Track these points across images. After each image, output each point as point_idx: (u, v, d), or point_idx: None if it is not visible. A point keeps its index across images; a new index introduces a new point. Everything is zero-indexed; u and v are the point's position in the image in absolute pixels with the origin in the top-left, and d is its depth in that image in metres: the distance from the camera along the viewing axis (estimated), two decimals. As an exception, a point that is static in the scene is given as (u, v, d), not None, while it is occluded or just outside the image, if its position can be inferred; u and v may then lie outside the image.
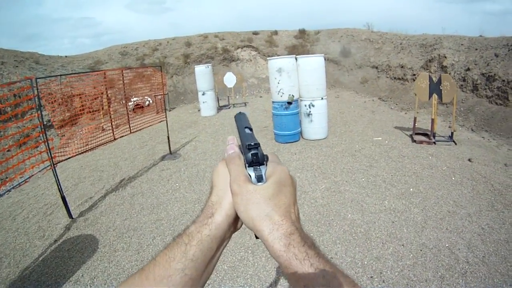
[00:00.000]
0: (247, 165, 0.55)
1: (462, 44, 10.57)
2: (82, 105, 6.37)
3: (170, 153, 7.45)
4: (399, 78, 12.49)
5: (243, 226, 0.56)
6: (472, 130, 7.74)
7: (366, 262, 3.14)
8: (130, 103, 11.11)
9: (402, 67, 12.54)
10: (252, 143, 0.55)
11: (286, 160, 6.29)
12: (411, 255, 3.21)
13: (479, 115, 8.16)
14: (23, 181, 4.76)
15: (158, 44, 18.29)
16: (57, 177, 4.72)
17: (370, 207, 4.24)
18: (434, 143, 6.73)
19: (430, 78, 6.73)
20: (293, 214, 0.50)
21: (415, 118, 7.17)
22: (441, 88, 6.58)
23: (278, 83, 7.28)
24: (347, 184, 5.02)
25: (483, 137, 7.18)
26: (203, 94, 11.82)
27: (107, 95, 6.52)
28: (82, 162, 7.40)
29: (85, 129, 6.29)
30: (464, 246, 3.31)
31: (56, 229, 4.54)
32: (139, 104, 11.74)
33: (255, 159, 0.54)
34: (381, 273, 2.97)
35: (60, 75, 5.94)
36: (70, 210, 4.88)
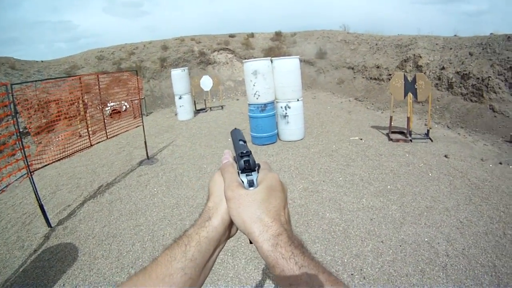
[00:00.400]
0: (239, 171, 0.60)
1: (437, 44, 10.84)
2: (59, 111, 6.19)
3: (148, 158, 7.34)
4: (375, 78, 12.67)
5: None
6: (447, 127, 7.89)
7: (346, 260, 3.07)
8: (106, 108, 10.89)
9: (377, 67, 12.74)
10: (244, 151, 0.61)
11: (261, 159, 6.21)
12: (391, 251, 3.16)
13: (454, 112, 8.34)
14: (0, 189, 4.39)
15: (135, 48, 17.97)
16: (34, 186, 4.65)
17: (348, 206, 4.20)
18: (411, 140, 6.81)
19: (405, 78, 6.82)
20: (282, 217, 0.53)
21: (391, 117, 7.25)
22: (416, 87, 6.67)
23: (254, 85, 7.24)
24: (324, 184, 4.97)
25: (458, 134, 7.33)
26: (179, 98, 11.63)
27: (83, 101, 6.46)
28: (59, 170, 7.18)
29: (61, 136, 6.11)
30: (443, 240, 3.30)
31: (35, 239, 4.47)
32: (116, 109, 11.47)
33: (247, 165, 0.59)
34: (361, 270, 2.91)
35: (36, 81, 5.86)
36: (49, 218, 4.82)
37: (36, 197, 4.69)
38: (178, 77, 11.68)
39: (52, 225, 4.77)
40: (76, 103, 8.05)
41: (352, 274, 2.87)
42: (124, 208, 5.09)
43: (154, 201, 5.20)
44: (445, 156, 5.83)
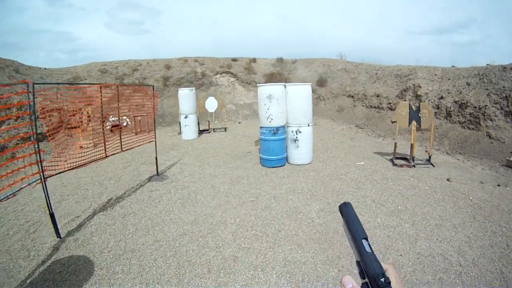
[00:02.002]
0: None
1: (435, 74, 11.64)
2: (73, 118, 6.24)
3: (157, 174, 7.52)
4: (375, 107, 13.39)
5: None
6: (447, 153, 8.48)
7: (371, 271, 3.46)
8: (108, 122, 11.20)
9: (378, 96, 13.49)
10: (382, 280, 0.55)
11: (276, 184, 6.59)
12: (410, 263, 3.58)
13: (452, 139, 8.96)
14: (11, 194, 4.18)
15: (138, 64, 18.61)
16: (47, 193, 4.52)
17: (365, 224, 4.59)
18: (414, 166, 7.32)
19: (410, 107, 7.41)
20: None
21: (395, 144, 7.82)
22: (420, 115, 7.25)
23: (268, 109, 7.66)
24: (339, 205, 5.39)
25: (458, 159, 7.90)
26: (185, 117, 11.98)
27: (102, 111, 6.53)
28: (63, 179, 7.24)
29: (78, 143, 6.13)
30: (455, 252, 3.73)
31: (43, 249, 4.38)
32: (117, 124, 11.75)
33: None
34: (385, 279, 3.30)
35: (58, 83, 5.71)
36: (59, 228, 4.72)
37: (48, 205, 4.56)
38: (186, 97, 12.07)
39: (62, 236, 4.68)
40: (86, 113, 8.32)
41: None
42: (139, 222, 5.14)
43: (171, 217, 5.29)
44: (448, 179, 6.34)
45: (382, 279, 0.54)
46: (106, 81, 16.29)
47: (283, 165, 7.93)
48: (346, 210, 0.70)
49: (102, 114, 6.63)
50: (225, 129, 13.97)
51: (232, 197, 6.03)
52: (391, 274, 0.60)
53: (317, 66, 19.07)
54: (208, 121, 14.16)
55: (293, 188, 6.33)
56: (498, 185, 5.96)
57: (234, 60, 20.52)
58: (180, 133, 12.77)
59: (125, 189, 6.75)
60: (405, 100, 11.53)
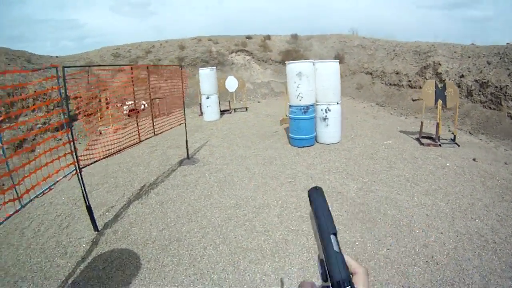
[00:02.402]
0: None
1: (455, 52, 11.78)
2: (107, 102, 6.15)
3: (188, 158, 7.64)
4: (394, 84, 13.59)
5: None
6: (469, 133, 8.82)
7: (417, 250, 3.91)
8: (125, 107, 11.45)
9: (397, 73, 13.66)
10: (345, 278, 0.50)
11: (310, 164, 6.96)
12: (451, 240, 4.03)
13: (474, 119, 9.27)
14: (47, 188, 3.85)
15: (151, 46, 18.63)
16: (83, 184, 4.33)
17: (403, 204, 5.06)
18: (440, 145, 7.68)
19: (436, 85, 7.68)
20: None
21: (421, 123, 8.15)
22: (445, 94, 7.54)
23: (298, 87, 7.78)
24: (375, 184, 5.82)
25: (481, 139, 8.24)
26: (207, 98, 12.01)
27: (134, 94, 6.48)
28: (88, 168, 6.82)
29: (111, 129, 6.02)
30: (489, 230, 4.17)
31: (80, 244, 4.25)
32: (135, 109, 11.86)
33: None
34: (432, 257, 3.76)
35: (88, 66, 5.16)
36: (96, 221, 4.59)
37: (84, 197, 4.35)
38: (207, 76, 11.97)
39: (99, 229, 4.56)
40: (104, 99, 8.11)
41: (427, 261, 3.71)
42: (179, 209, 5.13)
43: (211, 202, 5.35)
44: (474, 159, 6.71)
45: (349, 287, 0.49)
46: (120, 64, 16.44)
47: (313, 145, 8.20)
48: (315, 196, 0.62)
49: (124, 99, 6.38)
50: (246, 108, 14.12)
51: (269, 178, 6.28)
52: (359, 280, 0.54)
53: (333, 42, 19.09)
54: (229, 101, 14.27)
55: (328, 168, 6.69)
56: (522, 166, 6.36)
57: (249, 37, 20.48)
58: (201, 114, 12.88)
59: (156, 174, 6.78)
60: (425, 78, 11.75)
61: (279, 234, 4.33)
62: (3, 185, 6.02)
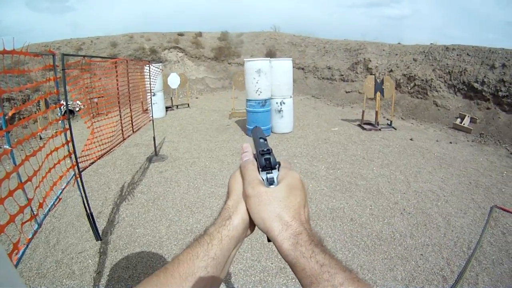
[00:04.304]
0: (260, 169, 0.63)
1: (383, 50, 13.68)
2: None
3: (156, 154, 7.71)
4: (327, 78, 15.20)
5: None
6: (402, 118, 10.54)
7: (392, 206, 4.89)
8: (59, 108, 10.86)
9: (329, 68, 15.28)
10: (265, 149, 0.64)
11: (276, 151, 7.79)
12: (413, 197, 5.13)
13: (404, 107, 11.05)
14: (56, 199, 3.35)
15: (82, 43, 17.83)
16: (84, 190, 3.95)
17: (368, 175, 6.12)
18: (380, 129, 9.11)
19: (375, 80, 9.10)
20: (302, 216, 0.57)
21: (363, 111, 9.54)
22: (383, 87, 8.99)
23: (257, 82, 8.57)
24: (339, 163, 6.79)
25: (412, 123, 9.95)
26: (153, 95, 11.99)
27: (129, 88, 6.49)
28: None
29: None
30: (438, 188, 5.42)
31: (86, 259, 3.88)
32: (71, 110, 11.07)
33: (268, 163, 0.62)
34: (404, 209, 4.80)
35: (84, 56, 4.77)
36: (98, 229, 4.24)
37: (85, 204, 3.94)
38: (153, 74, 12.09)
39: (101, 238, 4.24)
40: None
41: (401, 213, 4.67)
42: (175, 205, 5.15)
43: (203, 193, 5.52)
44: (411, 139, 8.20)
45: (265, 148, 0.64)
46: (50, 62, 15.51)
47: (269, 135, 9.04)
48: (255, 128, 0.78)
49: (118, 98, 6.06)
50: (188, 105, 14.37)
51: None
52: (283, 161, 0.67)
53: (263, 39, 20.20)
54: (171, 98, 14.38)
55: (293, 153, 7.50)
56: (450, 143, 8.00)
57: (181, 34, 20.55)
58: (144, 111, 12.81)
59: (129, 174, 6.61)
60: (356, 73, 13.44)
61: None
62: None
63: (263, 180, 0.61)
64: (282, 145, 8.22)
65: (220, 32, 21.50)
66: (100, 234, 4.27)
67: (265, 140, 0.69)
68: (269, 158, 0.63)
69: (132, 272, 3.59)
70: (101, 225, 4.58)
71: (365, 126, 9.33)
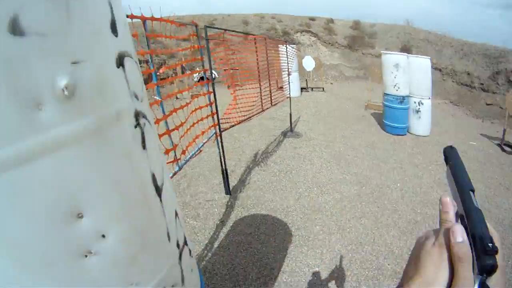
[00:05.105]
0: (476, 271, 0.46)
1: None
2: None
3: (291, 131, 8.11)
4: (466, 85, 14.49)
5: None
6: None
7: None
8: (195, 75, 12.26)
9: (468, 74, 14.56)
10: (490, 245, 0.46)
11: (411, 153, 7.64)
12: None
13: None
14: (197, 149, 3.92)
15: (214, 19, 19.19)
16: (222, 148, 4.43)
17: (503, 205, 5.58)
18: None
19: (521, 96, 8.55)
20: None
21: (504, 130, 8.91)
22: (528, 103, 8.36)
23: (395, 77, 8.43)
24: (475, 182, 5.97)
25: None
26: (290, 75, 12.94)
27: (268, 64, 6.77)
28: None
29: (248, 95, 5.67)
30: None
31: (213, 207, 4.35)
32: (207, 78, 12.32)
33: (491, 271, 0.45)
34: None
35: (225, 30, 5.07)
36: (230, 186, 4.70)
37: (221, 160, 4.41)
38: (290, 54, 12.76)
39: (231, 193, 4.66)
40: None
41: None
42: (306, 181, 5.28)
43: (335, 176, 5.61)
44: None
45: (491, 244, 0.45)
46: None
47: (405, 134, 8.85)
48: (452, 155, 0.63)
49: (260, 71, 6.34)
50: (323, 89, 14.75)
51: (379, 161, 6.74)
52: (497, 242, 0.47)
53: (397, 33, 19.73)
54: (306, 80, 14.84)
55: (430, 160, 7.23)
56: None
57: (312, 19, 21.07)
58: (279, 89, 13.78)
59: (264, 144, 6.93)
60: (497, 84, 12.80)
61: (408, 215, 4.66)
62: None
63: (474, 282, 0.45)
64: (418, 147, 8.18)
65: (352, 21, 21.55)
66: (230, 190, 4.70)
67: (473, 191, 0.54)
68: (494, 264, 0.44)
69: (254, 230, 3.87)
70: (232, 182, 4.96)
71: (506, 148, 8.92)
